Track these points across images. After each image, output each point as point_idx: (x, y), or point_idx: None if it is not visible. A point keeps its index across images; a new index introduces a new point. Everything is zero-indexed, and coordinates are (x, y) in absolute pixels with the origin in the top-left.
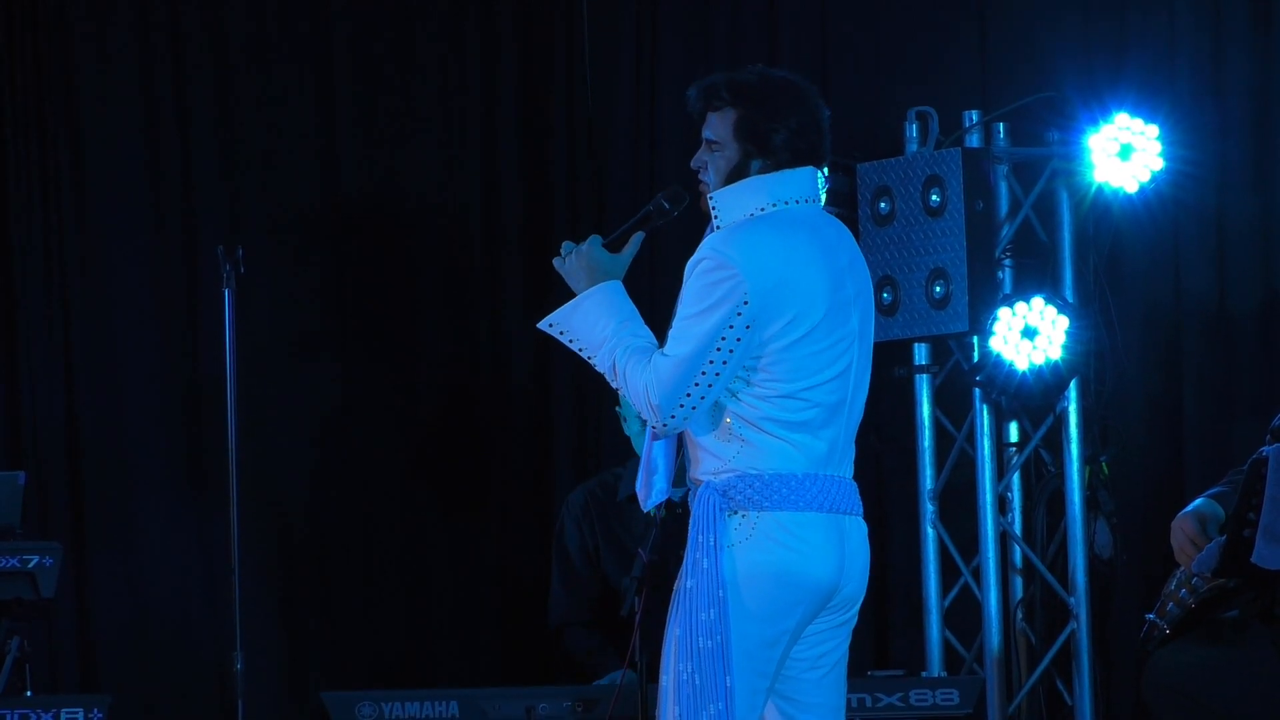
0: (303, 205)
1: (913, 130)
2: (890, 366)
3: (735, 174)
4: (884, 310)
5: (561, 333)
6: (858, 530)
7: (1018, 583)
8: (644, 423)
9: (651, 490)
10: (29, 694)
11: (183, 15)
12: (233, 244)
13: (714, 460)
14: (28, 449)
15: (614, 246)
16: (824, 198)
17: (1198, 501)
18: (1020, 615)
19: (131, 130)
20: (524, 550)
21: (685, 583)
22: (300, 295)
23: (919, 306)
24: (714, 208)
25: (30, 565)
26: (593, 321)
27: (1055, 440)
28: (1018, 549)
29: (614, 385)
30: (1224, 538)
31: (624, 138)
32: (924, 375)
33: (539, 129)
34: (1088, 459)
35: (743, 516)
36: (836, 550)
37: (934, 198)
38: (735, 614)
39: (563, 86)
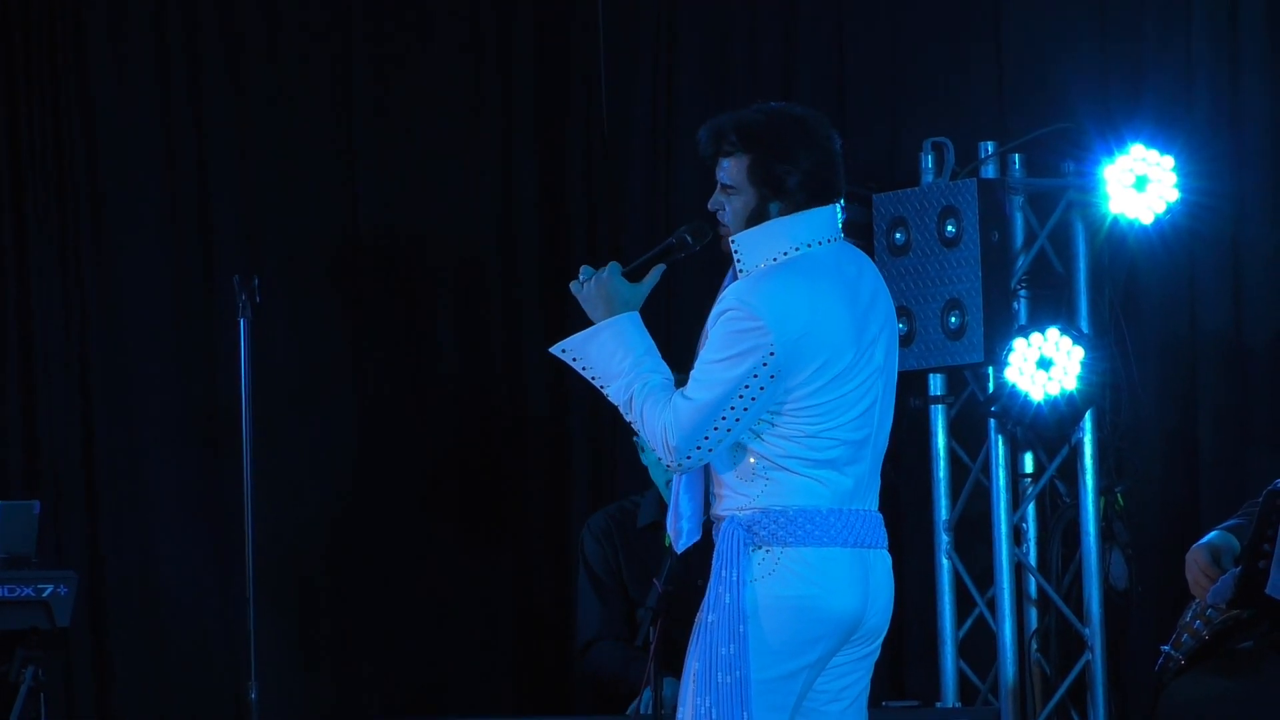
0: (319, 235)
1: (928, 161)
2: (906, 397)
3: (754, 218)
4: (900, 341)
5: (575, 359)
6: (882, 563)
7: (1033, 614)
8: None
9: (682, 534)
10: None
11: (202, 44)
12: (249, 274)
13: (738, 498)
14: (44, 478)
15: (633, 276)
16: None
17: (1212, 534)
18: (1035, 646)
19: (150, 160)
20: (541, 580)
21: (706, 617)
22: (317, 325)
23: (934, 337)
24: (736, 251)
25: (45, 594)
26: (610, 352)
27: (1070, 471)
28: (1033, 580)
29: (627, 419)
30: (1239, 569)
31: (641, 166)
32: (939, 406)
33: (556, 156)
34: (1103, 490)
35: (766, 551)
36: (861, 585)
37: (949, 228)
38: (755, 648)
39: (580, 114)
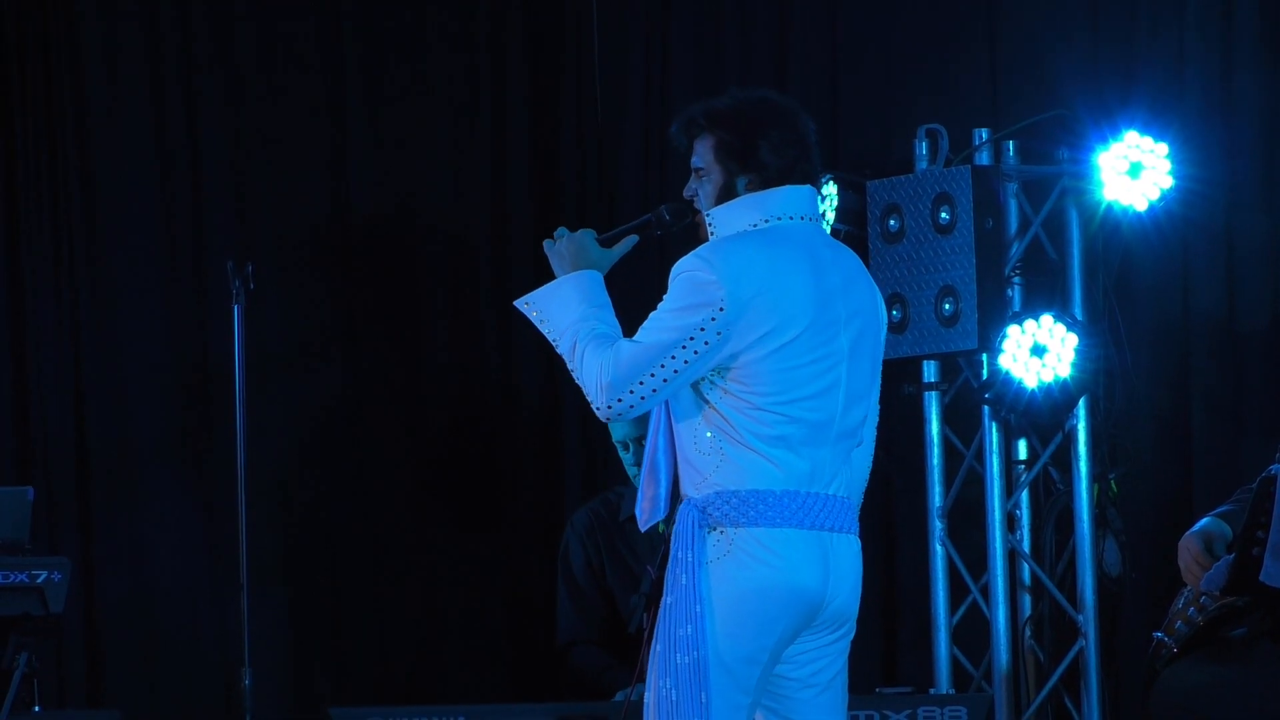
0: (312, 221)
1: (923, 148)
2: (899, 384)
3: (724, 194)
4: (893, 328)
5: (535, 313)
6: (847, 547)
7: (1026, 600)
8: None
9: (643, 512)
10: (37, 709)
11: (193, 33)
12: (242, 259)
13: (695, 474)
14: (37, 464)
15: (606, 243)
16: (832, 216)
17: (1204, 521)
18: (1029, 633)
19: (142, 147)
20: (533, 567)
21: (665, 599)
22: (309, 310)
23: (928, 324)
24: (710, 225)
25: (39, 580)
26: (566, 305)
27: (1064, 458)
28: (1026, 567)
29: (570, 368)
30: (1232, 556)
31: (634, 158)
32: (933, 393)
33: (549, 139)
34: (1096, 477)
35: (720, 533)
36: (819, 565)
37: (944, 215)
38: (713, 630)
39: (572, 96)
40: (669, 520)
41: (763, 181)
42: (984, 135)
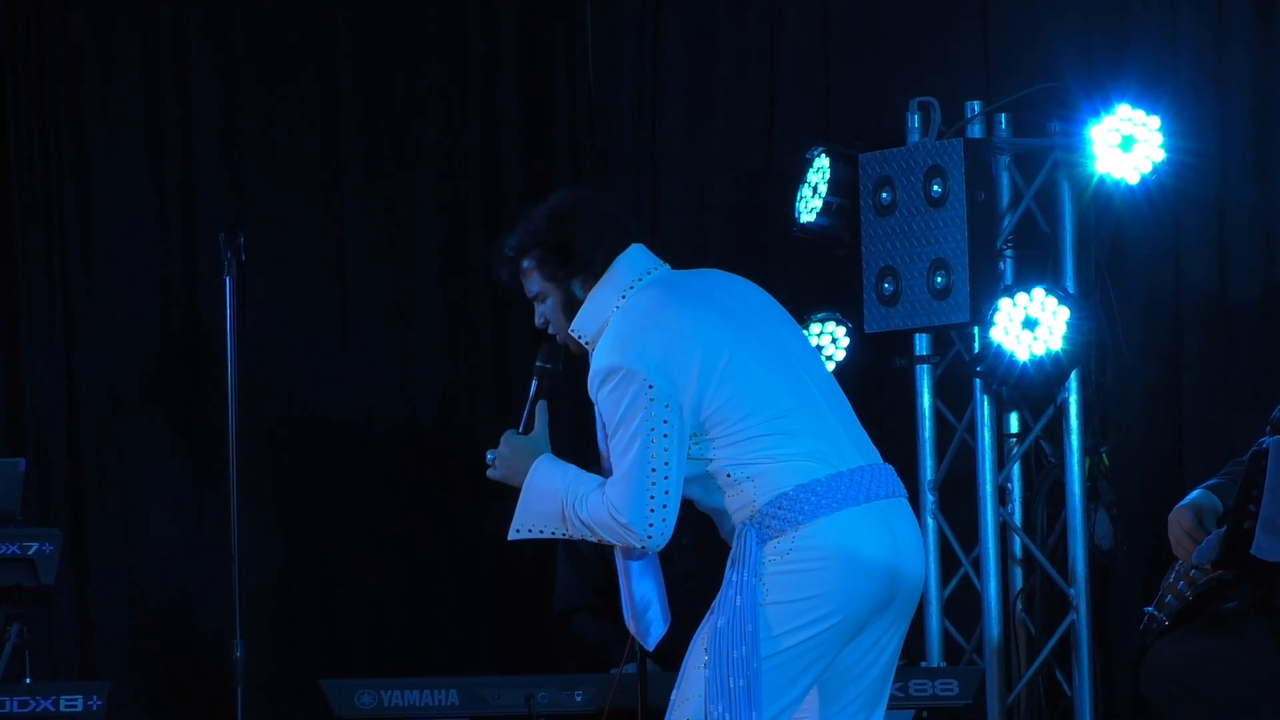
0: (305, 193)
1: (914, 121)
2: (891, 357)
3: (569, 305)
4: (885, 301)
5: (530, 529)
6: (904, 511)
7: (1017, 573)
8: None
9: (651, 628)
10: (28, 680)
11: (187, 5)
12: (234, 231)
13: (738, 508)
14: (28, 436)
15: (527, 429)
16: (825, 189)
17: (1195, 494)
18: (1020, 606)
19: (133, 119)
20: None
21: (717, 621)
22: (302, 283)
23: (920, 297)
24: (579, 337)
25: (30, 552)
26: (545, 499)
27: (1056, 431)
28: (1018, 540)
29: (593, 539)
30: (1223, 529)
31: (627, 124)
32: (925, 366)
33: (542, 114)
34: (1088, 450)
35: (781, 538)
36: (886, 532)
37: (935, 188)
38: (766, 636)
39: (565, 73)
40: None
41: (595, 275)
42: (976, 108)
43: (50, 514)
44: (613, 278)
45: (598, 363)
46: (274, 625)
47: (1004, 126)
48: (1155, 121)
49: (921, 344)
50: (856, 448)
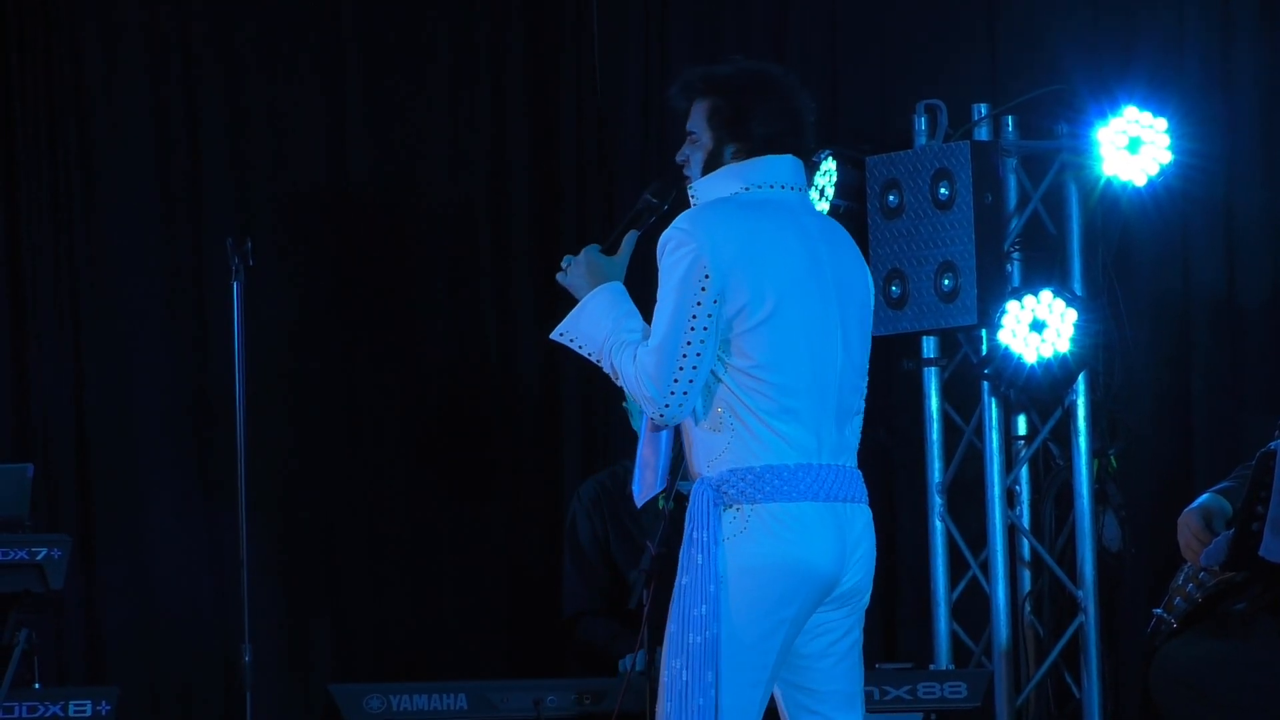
0: (311, 197)
1: (922, 123)
2: (899, 359)
3: (712, 162)
4: (892, 303)
5: (571, 340)
6: (860, 517)
7: (1026, 576)
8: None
9: (642, 485)
10: (37, 686)
11: (192, 9)
12: (241, 236)
13: (707, 451)
14: (37, 441)
15: (610, 250)
16: (831, 191)
17: (1203, 497)
18: (1028, 608)
19: (140, 123)
20: (532, 543)
21: (680, 579)
22: (309, 288)
23: (928, 299)
24: (694, 197)
25: (39, 557)
26: (595, 323)
27: (1064, 433)
28: (1026, 542)
29: (617, 384)
30: (1232, 532)
31: (633, 126)
32: (932, 368)
33: (548, 118)
34: (1096, 452)
35: (736, 510)
36: (834, 538)
37: (943, 191)
38: (728, 608)
39: (572, 75)
40: (667, 496)
41: (748, 151)
42: (983, 110)
43: (59, 520)
44: (752, 168)
45: (678, 225)
46: (282, 630)
47: (1011, 129)
48: (1162, 123)
49: (929, 346)
50: (837, 447)
